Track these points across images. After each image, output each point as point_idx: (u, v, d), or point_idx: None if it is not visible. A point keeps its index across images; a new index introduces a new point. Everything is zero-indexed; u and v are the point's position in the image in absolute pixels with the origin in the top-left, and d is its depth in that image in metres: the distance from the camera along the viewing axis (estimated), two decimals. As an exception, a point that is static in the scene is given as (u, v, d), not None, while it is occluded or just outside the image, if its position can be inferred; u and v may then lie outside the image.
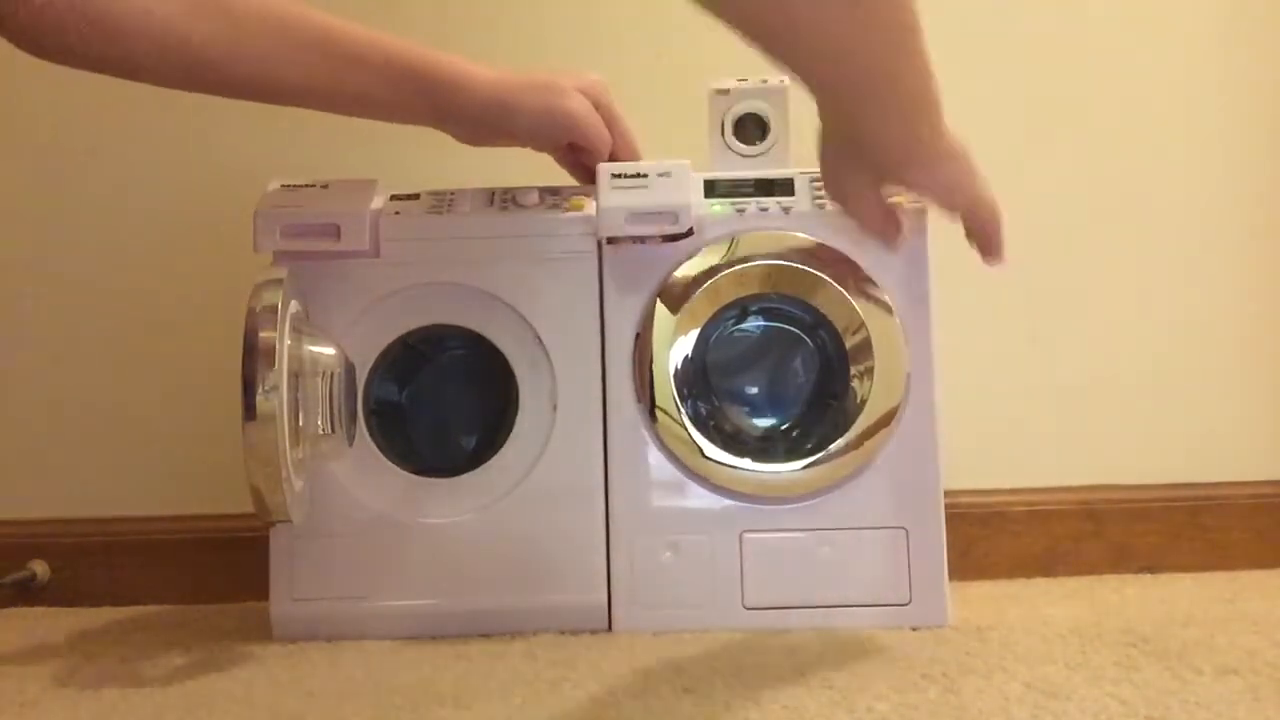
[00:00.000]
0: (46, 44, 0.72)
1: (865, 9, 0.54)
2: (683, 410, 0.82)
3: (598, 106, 0.84)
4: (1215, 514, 1.01)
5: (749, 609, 0.81)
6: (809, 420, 0.86)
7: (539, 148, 0.87)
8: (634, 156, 0.86)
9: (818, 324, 0.84)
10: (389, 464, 0.84)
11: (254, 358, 0.70)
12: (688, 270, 0.82)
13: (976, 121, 1.04)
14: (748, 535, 0.81)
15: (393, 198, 0.86)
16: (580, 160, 0.87)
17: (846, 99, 0.62)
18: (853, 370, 0.83)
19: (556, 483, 0.83)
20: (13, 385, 1.04)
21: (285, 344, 0.72)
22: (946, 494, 0.82)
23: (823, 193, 0.84)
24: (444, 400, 0.90)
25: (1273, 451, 1.04)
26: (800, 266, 0.83)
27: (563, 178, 0.89)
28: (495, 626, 0.82)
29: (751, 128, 0.87)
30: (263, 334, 0.71)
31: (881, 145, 0.64)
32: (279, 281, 0.74)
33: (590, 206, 0.84)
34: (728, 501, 0.82)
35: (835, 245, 0.83)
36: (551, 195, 0.86)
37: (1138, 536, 1.00)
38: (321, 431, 0.77)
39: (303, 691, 0.69)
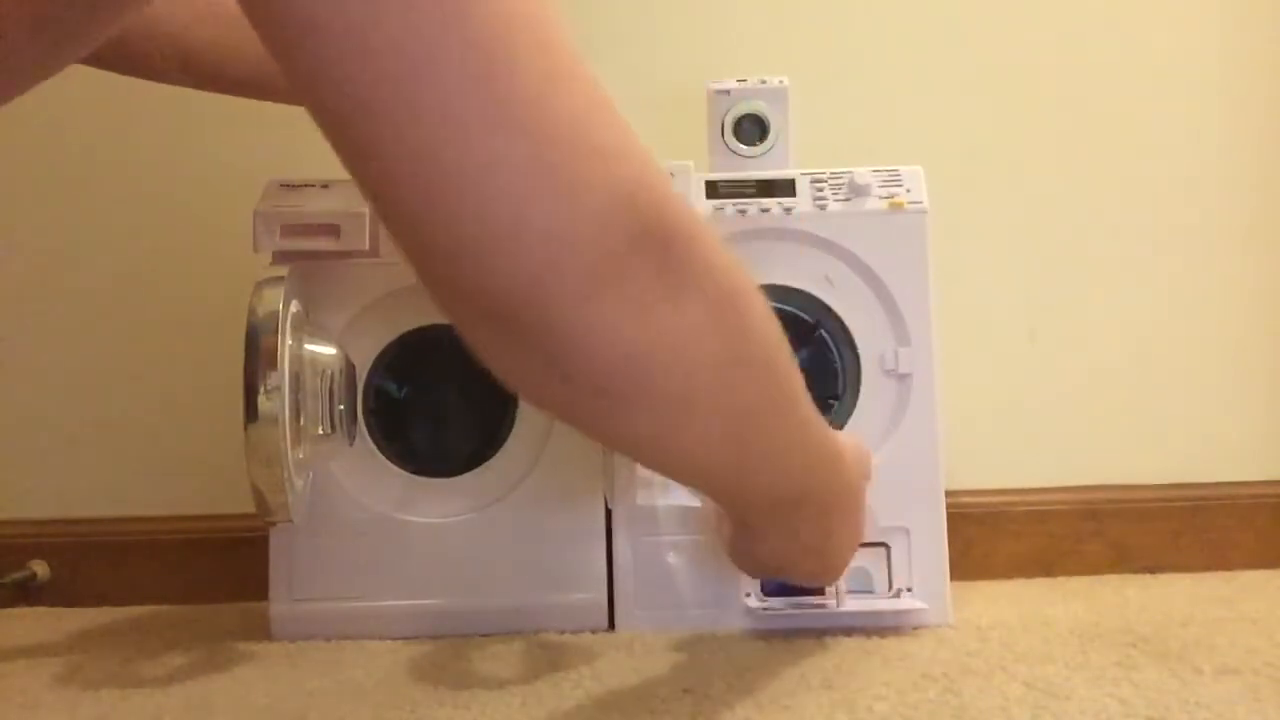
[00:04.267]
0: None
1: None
2: (683, 410, 0.81)
3: None
4: (1215, 514, 1.01)
5: (750, 609, 0.81)
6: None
7: None
8: None
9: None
10: (389, 464, 0.84)
11: (256, 359, 0.70)
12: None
13: (978, 119, 1.05)
14: (748, 535, 0.81)
15: (393, 197, 0.86)
16: None
17: None
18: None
19: (556, 483, 0.83)
20: (13, 385, 1.04)
21: (287, 345, 0.72)
22: (947, 494, 0.82)
23: (824, 194, 0.84)
24: (443, 400, 0.90)
25: (1273, 451, 1.04)
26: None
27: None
28: (495, 626, 0.82)
29: (751, 128, 0.87)
30: (264, 335, 0.71)
31: None
32: (279, 281, 0.74)
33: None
34: (728, 501, 0.82)
35: (837, 244, 0.83)
36: (552, 195, 0.86)
37: (1138, 536, 1.00)
38: (322, 431, 0.77)
39: (303, 691, 0.69)
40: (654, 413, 0.50)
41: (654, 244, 0.45)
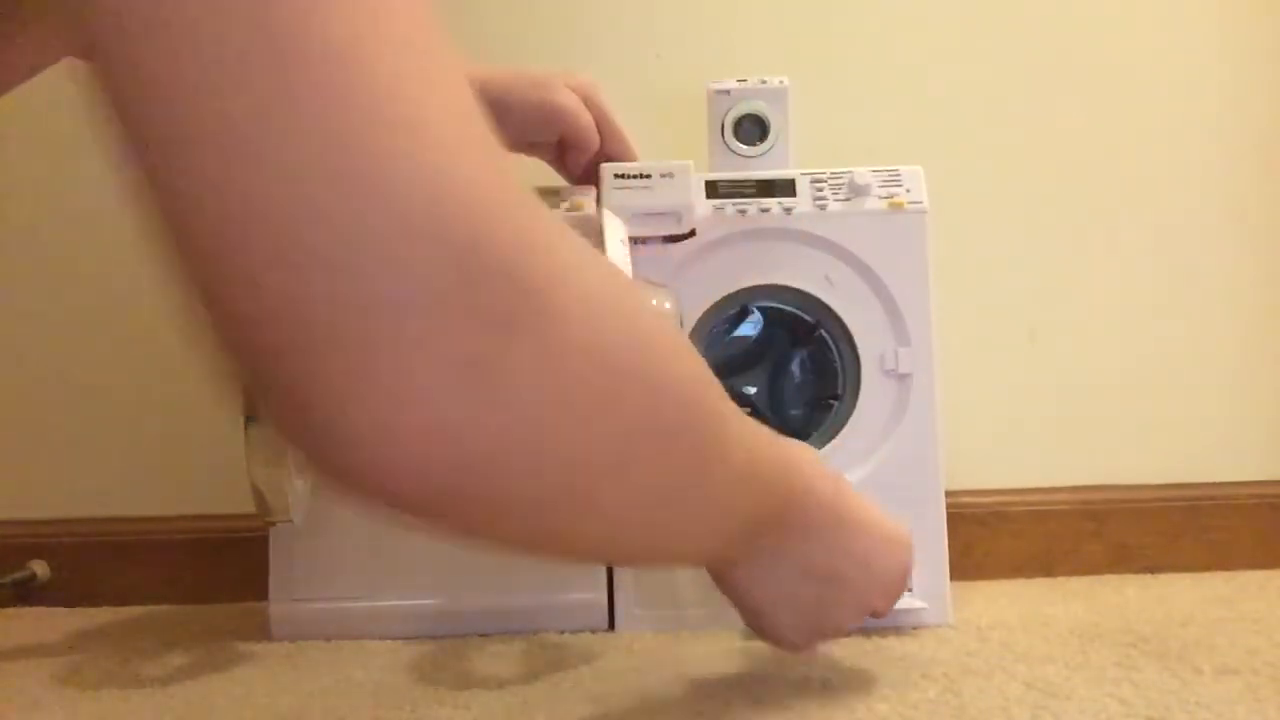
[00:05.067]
0: None
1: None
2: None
3: (589, 104, 0.83)
4: (1215, 514, 1.01)
5: (749, 609, 0.80)
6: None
7: (528, 147, 0.86)
8: (629, 154, 0.85)
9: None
10: (389, 464, 0.84)
11: (255, 358, 0.70)
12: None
13: (978, 119, 1.05)
14: (748, 535, 0.81)
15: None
16: (568, 160, 0.86)
17: None
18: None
19: (557, 483, 0.83)
20: (13, 385, 1.04)
21: (285, 344, 0.71)
22: (946, 494, 0.82)
23: (824, 194, 0.84)
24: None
25: (1273, 451, 1.04)
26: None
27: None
28: (495, 626, 0.82)
29: (751, 128, 0.87)
30: (263, 334, 0.71)
31: None
32: (279, 281, 0.74)
33: (591, 207, 0.84)
34: (728, 501, 0.82)
35: (837, 244, 0.83)
36: (552, 195, 0.86)
37: (1138, 536, 1.00)
38: (322, 431, 0.77)
39: (303, 691, 0.69)
40: (526, 520, 0.37)
41: (510, 291, 0.32)
